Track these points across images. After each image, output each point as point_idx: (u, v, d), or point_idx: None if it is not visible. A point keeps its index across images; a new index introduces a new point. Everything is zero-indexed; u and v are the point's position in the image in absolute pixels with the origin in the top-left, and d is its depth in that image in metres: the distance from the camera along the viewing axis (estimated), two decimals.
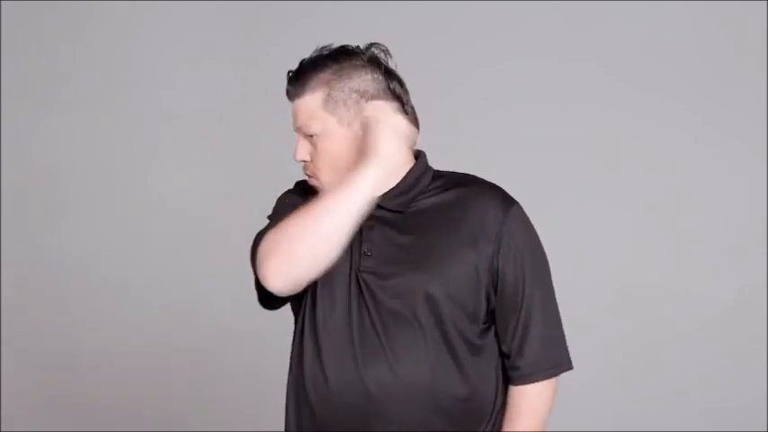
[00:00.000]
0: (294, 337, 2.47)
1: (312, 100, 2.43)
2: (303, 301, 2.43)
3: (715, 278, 4.45)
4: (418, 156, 2.49)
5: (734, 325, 4.43)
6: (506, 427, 2.46)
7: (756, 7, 4.40)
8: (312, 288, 2.41)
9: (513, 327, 2.44)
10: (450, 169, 2.57)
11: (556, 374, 2.48)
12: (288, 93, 2.47)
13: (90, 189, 4.86)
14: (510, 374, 2.47)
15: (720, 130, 4.47)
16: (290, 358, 2.47)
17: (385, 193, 2.42)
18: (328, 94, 2.43)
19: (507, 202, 2.44)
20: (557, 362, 2.47)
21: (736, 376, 4.43)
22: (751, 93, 4.42)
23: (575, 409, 4.32)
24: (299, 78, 2.45)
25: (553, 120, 4.52)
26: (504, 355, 2.47)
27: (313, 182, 2.45)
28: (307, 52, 2.49)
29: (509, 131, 4.53)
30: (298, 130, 2.47)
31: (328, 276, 2.36)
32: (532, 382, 2.46)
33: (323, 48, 2.46)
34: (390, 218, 2.42)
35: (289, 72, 2.47)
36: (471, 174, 2.53)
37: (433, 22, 4.57)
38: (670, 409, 4.45)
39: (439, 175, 2.50)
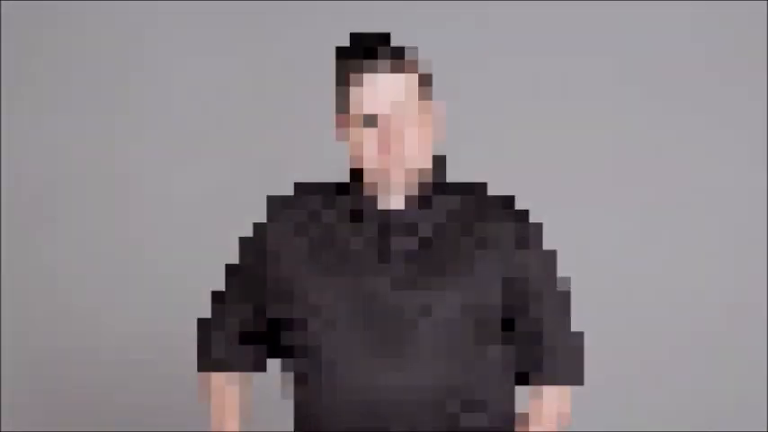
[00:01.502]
0: (292, 347, 2.45)
1: (414, 79, 2.37)
2: (293, 312, 2.41)
3: (715, 277, 4.45)
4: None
5: (734, 324, 4.43)
6: (525, 428, 2.45)
7: (757, 6, 4.40)
8: (314, 301, 2.38)
9: (533, 333, 2.43)
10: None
11: (578, 381, 2.48)
12: (388, 65, 2.33)
13: (90, 189, 4.85)
14: (532, 377, 2.45)
15: (721, 130, 4.47)
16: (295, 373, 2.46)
17: (408, 198, 2.41)
18: (422, 76, 2.40)
19: (520, 211, 2.42)
20: (576, 369, 2.47)
21: (737, 376, 4.43)
22: (752, 91, 4.42)
23: (574, 409, 4.32)
24: (397, 50, 2.34)
25: (550, 119, 4.51)
26: (521, 360, 2.45)
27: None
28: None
29: (508, 131, 4.52)
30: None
31: (339, 288, 2.35)
32: (554, 384, 2.46)
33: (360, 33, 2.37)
34: (408, 226, 2.40)
35: (372, 42, 2.32)
36: (474, 182, 2.51)
37: (431, 22, 4.57)
38: (670, 409, 4.45)
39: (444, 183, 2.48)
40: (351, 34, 2.33)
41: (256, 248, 2.46)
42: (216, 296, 2.53)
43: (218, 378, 2.52)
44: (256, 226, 2.47)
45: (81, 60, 4.86)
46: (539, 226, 2.44)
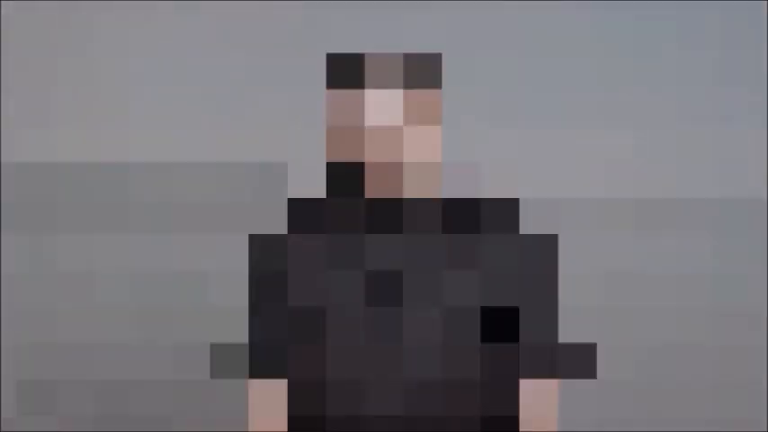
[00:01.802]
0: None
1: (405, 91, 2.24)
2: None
3: (715, 276, 4.44)
4: None
5: (734, 324, 4.42)
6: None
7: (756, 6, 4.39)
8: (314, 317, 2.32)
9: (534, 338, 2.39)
10: None
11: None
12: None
13: (87, 189, 4.85)
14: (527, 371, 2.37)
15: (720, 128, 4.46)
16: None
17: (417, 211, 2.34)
18: None
19: (508, 203, 2.39)
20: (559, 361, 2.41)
21: (736, 376, 4.42)
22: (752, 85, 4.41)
23: (572, 410, 4.31)
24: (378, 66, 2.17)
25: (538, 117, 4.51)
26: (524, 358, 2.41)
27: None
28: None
29: (491, 100, 4.52)
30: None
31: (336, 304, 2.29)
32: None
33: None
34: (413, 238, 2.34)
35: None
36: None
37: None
38: (669, 409, 4.45)
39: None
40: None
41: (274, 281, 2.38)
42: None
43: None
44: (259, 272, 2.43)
45: (78, 52, 4.87)
46: (552, 239, 2.35)
